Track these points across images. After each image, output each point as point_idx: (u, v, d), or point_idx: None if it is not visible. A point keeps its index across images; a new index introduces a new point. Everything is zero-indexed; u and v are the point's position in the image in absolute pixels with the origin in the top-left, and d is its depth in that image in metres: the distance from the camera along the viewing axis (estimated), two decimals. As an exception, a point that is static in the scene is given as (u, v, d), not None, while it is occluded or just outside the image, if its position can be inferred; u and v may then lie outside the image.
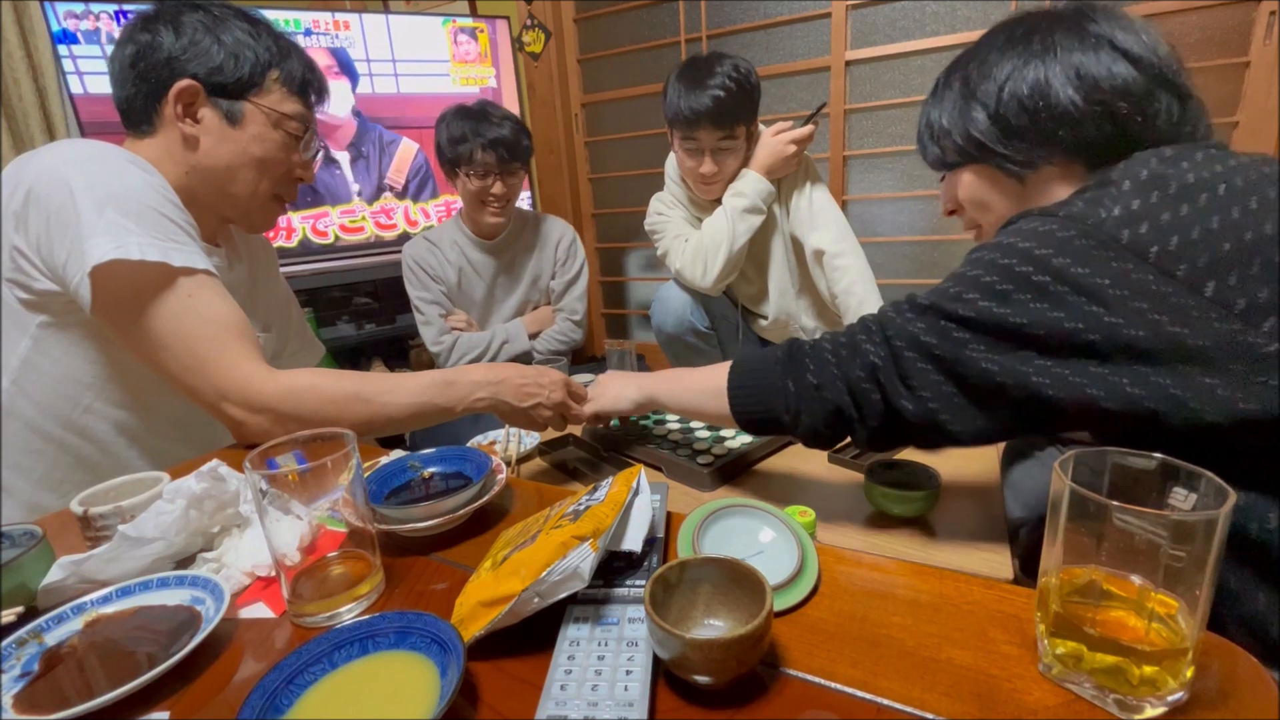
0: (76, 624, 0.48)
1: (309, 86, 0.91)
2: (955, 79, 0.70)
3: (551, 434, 1.16)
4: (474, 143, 1.51)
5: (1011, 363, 0.54)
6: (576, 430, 1.15)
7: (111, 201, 0.72)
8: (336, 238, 2.24)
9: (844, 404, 0.64)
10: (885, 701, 0.38)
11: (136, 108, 0.84)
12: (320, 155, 0.98)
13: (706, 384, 0.78)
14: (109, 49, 1.92)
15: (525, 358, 1.69)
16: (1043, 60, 0.62)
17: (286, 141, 0.89)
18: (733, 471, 0.96)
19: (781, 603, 0.46)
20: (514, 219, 1.69)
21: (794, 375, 0.68)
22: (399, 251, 1.71)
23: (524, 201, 2.58)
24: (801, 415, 0.68)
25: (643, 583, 0.47)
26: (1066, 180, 0.64)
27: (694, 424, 1.08)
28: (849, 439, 0.69)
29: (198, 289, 0.75)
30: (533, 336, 1.73)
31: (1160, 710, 0.35)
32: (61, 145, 0.79)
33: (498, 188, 1.56)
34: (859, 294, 1.41)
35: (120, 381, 0.83)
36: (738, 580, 0.43)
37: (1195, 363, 0.48)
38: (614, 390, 0.91)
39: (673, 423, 1.09)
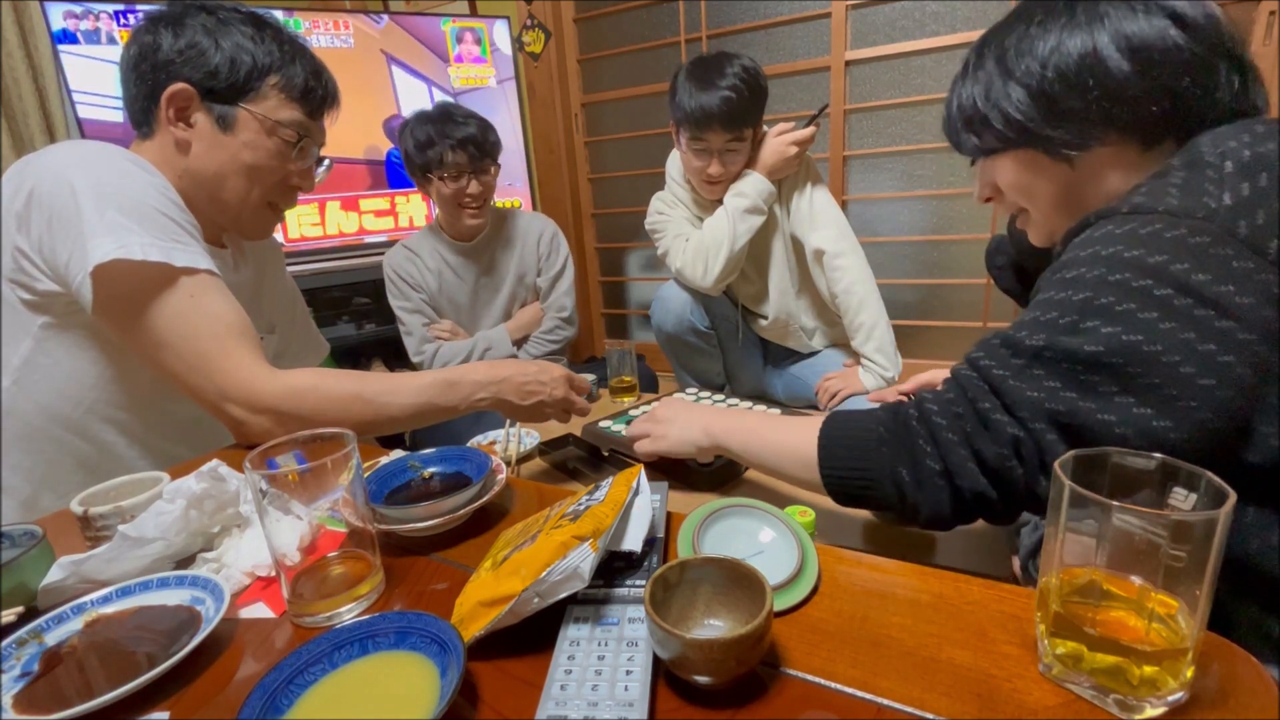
0: (76, 624, 0.48)
1: (311, 94, 0.88)
2: (988, 57, 0.62)
3: (552, 434, 1.16)
4: (442, 145, 1.50)
5: (1147, 415, 0.48)
6: (577, 430, 1.15)
7: (113, 202, 0.72)
8: (340, 230, 2.25)
9: (982, 488, 0.56)
10: (885, 701, 0.38)
11: (138, 110, 0.84)
12: (329, 164, 0.96)
13: (793, 447, 0.68)
14: (109, 49, 1.94)
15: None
16: (1089, 30, 0.56)
17: (281, 149, 0.87)
18: (733, 472, 0.96)
19: (781, 603, 0.46)
20: (491, 220, 1.68)
21: (908, 460, 0.59)
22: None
23: (525, 201, 2.59)
24: (921, 506, 0.59)
25: (643, 583, 0.47)
26: (1121, 161, 0.58)
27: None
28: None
29: (199, 289, 0.75)
30: (523, 340, 1.72)
31: (1160, 710, 0.35)
32: (64, 146, 0.79)
33: (473, 187, 1.55)
34: (859, 294, 1.42)
35: (122, 382, 0.83)
36: (738, 580, 0.42)
37: None
38: (678, 433, 0.82)
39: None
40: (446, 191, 1.55)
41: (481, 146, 1.54)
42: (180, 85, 0.80)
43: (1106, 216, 0.53)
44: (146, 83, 0.81)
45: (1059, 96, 0.58)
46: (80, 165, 0.74)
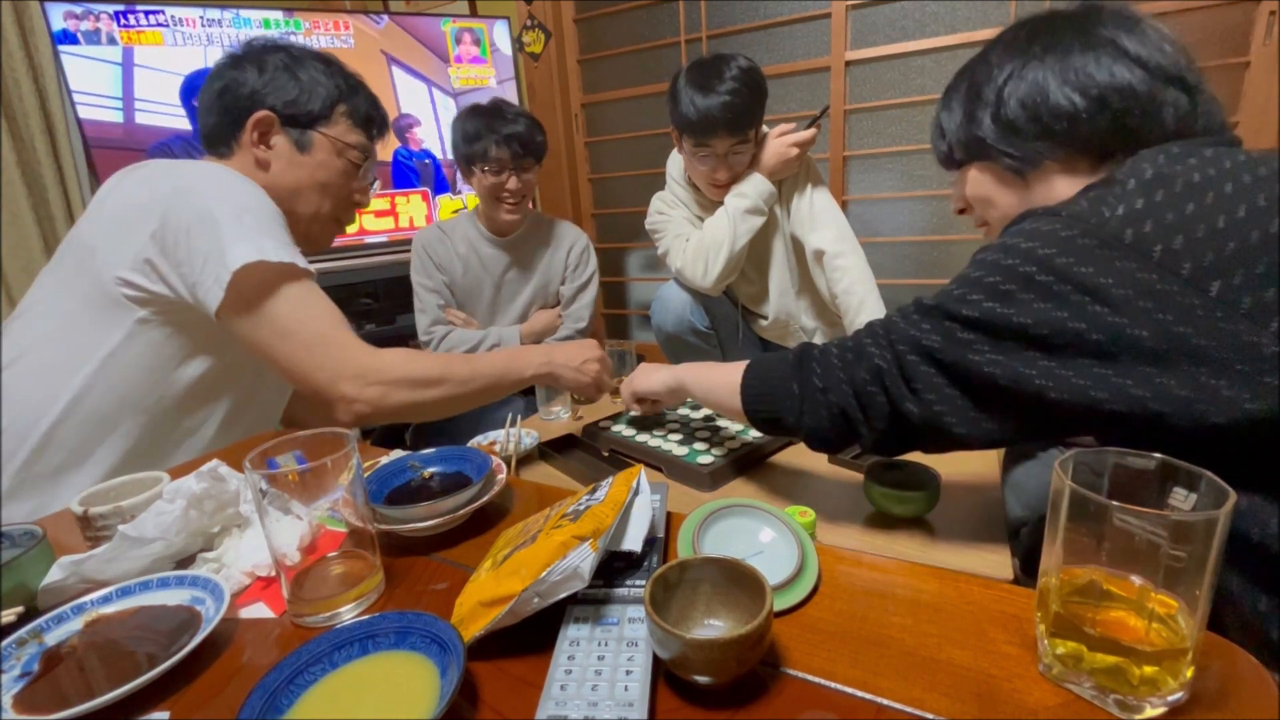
0: (76, 624, 0.48)
1: (371, 121, 1.02)
2: (962, 84, 0.70)
3: (552, 434, 1.16)
4: (489, 139, 1.53)
5: (1015, 365, 0.54)
6: (577, 430, 1.15)
7: (246, 212, 0.83)
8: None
9: (849, 406, 0.65)
10: (885, 701, 0.38)
11: (219, 134, 0.94)
12: (376, 183, 1.08)
13: (727, 379, 0.80)
14: (109, 49, 1.94)
15: None
16: (1042, 61, 0.62)
17: (348, 169, 0.99)
18: (733, 471, 0.96)
19: (781, 603, 0.46)
20: (529, 220, 1.69)
21: (800, 378, 0.69)
22: (400, 251, 1.71)
23: (524, 201, 2.59)
24: (805, 417, 0.68)
25: (643, 583, 0.47)
26: (1071, 177, 0.64)
27: (694, 423, 1.08)
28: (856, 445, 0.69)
29: (310, 286, 0.86)
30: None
31: (1160, 710, 0.35)
32: (185, 168, 0.89)
33: (512, 183, 1.57)
34: (859, 294, 1.42)
35: (188, 379, 0.89)
36: (738, 580, 0.43)
37: (1200, 363, 0.47)
38: (646, 375, 1.00)
39: (673, 422, 1.09)
40: (486, 184, 1.57)
41: (526, 145, 1.56)
42: (264, 112, 0.92)
43: (1029, 216, 0.59)
44: (231, 111, 0.92)
45: (1014, 120, 0.64)
46: (212, 181, 0.85)
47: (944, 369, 0.58)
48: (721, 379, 0.82)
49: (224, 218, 0.80)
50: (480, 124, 1.54)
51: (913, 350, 0.60)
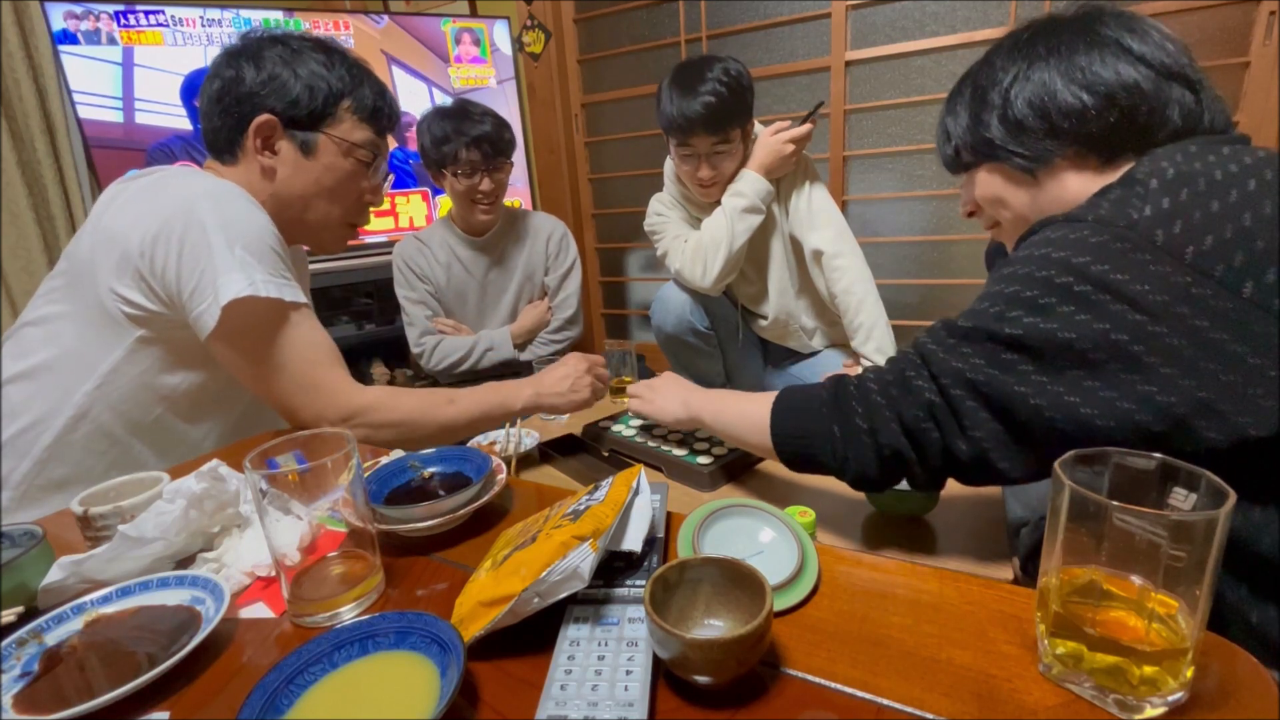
0: (76, 624, 0.48)
1: (379, 114, 0.95)
2: (966, 87, 0.69)
3: (552, 434, 1.16)
4: (457, 142, 1.52)
5: (1059, 390, 0.52)
6: (577, 430, 1.15)
7: (240, 240, 0.79)
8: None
9: (901, 446, 0.61)
10: (885, 701, 0.38)
11: (222, 140, 0.89)
12: (390, 179, 1.04)
13: (752, 414, 0.76)
14: (109, 49, 1.94)
15: (510, 364, 1.68)
16: (1046, 62, 0.62)
17: (356, 169, 0.94)
18: (733, 471, 0.96)
19: (781, 603, 0.46)
20: (503, 216, 1.68)
21: (840, 419, 0.65)
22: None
23: (525, 201, 2.59)
24: (849, 461, 0.65)
25: (643, 583, 0.47)
26: (1082, 173, 0.63)
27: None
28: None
29: (301, 320, 0.84)
30: (527, 341, 1.72)
31: (1160, 710, 0.35)
32: (185, 183, 0.84)
33: (485, 184, 1.57)
34: (858, 294, 1.41)
35: (188, 396, 0.88)
36: (738, 580, 0.42)
37: (1236, 370, 0.46)
38: (661, 402, 0.94)
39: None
40: (460, 187, 1.56)
41: (496, 144, 1.55)
42: (266, 116, 0.86)
43: (1048, 224, 0.58)
44: (231, 115, 0.87)
45: (1022, 120, 0.63)
46: (209, 201, 0.80)
47: (988, 403, 0.56)
48: (745, 412, 0.78)
49: (217, 245, 0.77)
50: (448, 127, 1.52)
51: (956, 384, 0.57)
